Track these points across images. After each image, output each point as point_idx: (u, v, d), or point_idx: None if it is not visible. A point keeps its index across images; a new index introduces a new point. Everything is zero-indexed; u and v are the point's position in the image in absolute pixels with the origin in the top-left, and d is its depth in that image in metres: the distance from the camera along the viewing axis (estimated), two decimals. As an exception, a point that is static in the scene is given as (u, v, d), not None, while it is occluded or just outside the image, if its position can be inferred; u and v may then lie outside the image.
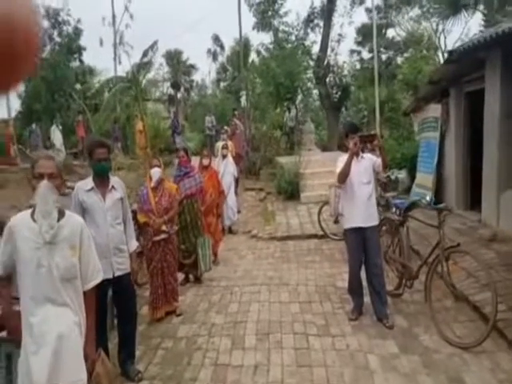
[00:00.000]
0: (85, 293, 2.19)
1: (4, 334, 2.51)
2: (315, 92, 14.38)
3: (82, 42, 17.23)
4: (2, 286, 2.20)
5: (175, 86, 29.61)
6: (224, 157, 7.86)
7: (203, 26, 38.88)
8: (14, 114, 14.70)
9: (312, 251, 6.41)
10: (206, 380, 3.27)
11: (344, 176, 3.89)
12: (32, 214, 2.10)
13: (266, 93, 12.19)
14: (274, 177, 10.91)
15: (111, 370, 2.49)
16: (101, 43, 19.21)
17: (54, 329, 2.02)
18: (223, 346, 3.75)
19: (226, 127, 11.43)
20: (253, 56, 20.43)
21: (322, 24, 14.16)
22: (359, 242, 3.95)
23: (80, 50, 17.15)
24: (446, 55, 17.85)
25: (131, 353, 3.41)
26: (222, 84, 26.51)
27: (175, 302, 4.34)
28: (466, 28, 16.21)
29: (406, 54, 17.77)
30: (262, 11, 13.75)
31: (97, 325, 2.32)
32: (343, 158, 4.02)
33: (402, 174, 8.21)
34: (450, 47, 17.67)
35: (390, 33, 18.77)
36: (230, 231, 7.79)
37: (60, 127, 14.23)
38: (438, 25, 17.18)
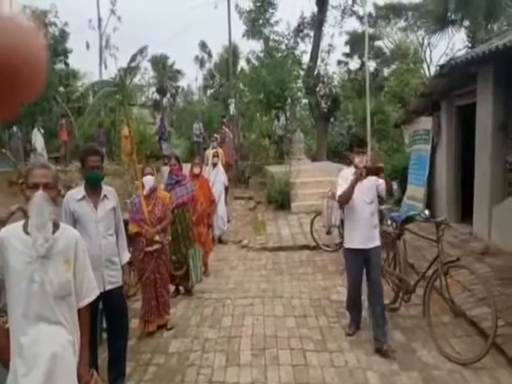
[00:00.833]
0: (79, 310, 2.06)
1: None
2: (304, 101, 14.46)
3: (68, 44, 16.95)
4: None
5: (161, 91, 29.40)
6: (214, 165, 7.74)
7: (191, 31, 38.81)
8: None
9: (304, 263, 6.32)
10: (201, 399, 3.12)
11: (346, 198, 3.68)
12: (24, 226, 1.95)
13: (256, 101, 12.16)
14: (263, 186, 10.85)
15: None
16: (87, 46, 18.92)
17: (47, 349, 1.89)
18: (217, 362, 3.61)
19: (215, 135, 11.33)
20: (242, 64, 20.49)
21: (312, 34, 14.28)
22: (359, 263, 3.78)
23: (66, 52, 16.83)
24: (431, 68, 18.36)
25: (122, 370, 3.25)
26: (209, 91, 26.44)
27: (167, 315, 4.18)
28: (450, 43, 16.62)
29: (392, 66, 18.12)
30: (252, 19, 13.78)
31: (90, 343, 2.18)
32: (345, 173, 3.81)
33: (392, 186, 8.24)
34: (435, 61, 18.18)
35: (379, 44, 19.13)
36: (220, 241, 7.65)
37: (42, 131, 13.84)
38: (423, 38, 17.61)
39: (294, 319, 4.36)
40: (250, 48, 23.47)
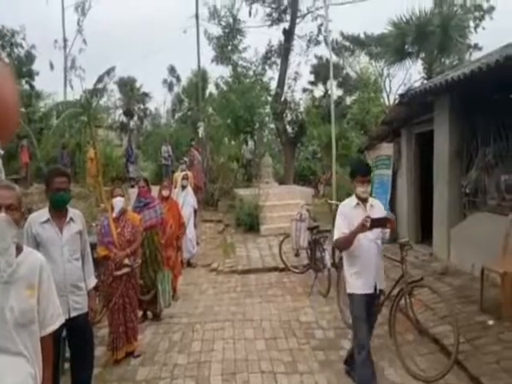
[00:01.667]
0: (42, 338, 1.93)
1: None
2: (271, 126, 14.83)
3: (35, 65, 16.64)
4: None
5: (128, 113, 29.15)
6: (184, 188, 7.73)
7: (160, 55, 39.03)
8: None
9: (274, 284, 6.35)
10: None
11: (345, 246, 3.27)
12: None
13: (225, 125, 12.34)
14: (232, 208, 10.88)
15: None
16: (51, 67, 18.57)
17: (7, 382, 1.76)
18: (187, 389, 3.52)
19: (185, 158, 11.33)
20: (211, 88, 20.79)
21: (279, 62, 14.84)
22: (366, 309, 3.30)
23: (31, 74, 16.45)
24: (391, 97, 19.44)
25: (86, 402, 3.08)
26: (177, 114, 26.52)
27: (135, 341, 4.05)
28: (408, 74, 17.74)
29: (355, 95, 19.01)
30: (221, 45, 14.15)
31: (53, 375, 2.06)
32: (345, 208, 3.31)
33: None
34: (394, 90, 19.26)
35: (343, 73, 20.07)
36: (189, 264, 7.55)
37: (1, 151, 13.25)
38: (383, 69, 18.69)
39: (264, 342, 4.36)
40: (219, 73, 23.93)
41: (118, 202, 4.03)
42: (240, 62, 13.51)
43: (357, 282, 3.31)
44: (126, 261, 3.88)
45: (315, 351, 4.11)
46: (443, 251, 6.16)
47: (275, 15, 15.01)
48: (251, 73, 12.12)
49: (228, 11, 14.66)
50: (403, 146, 7.59)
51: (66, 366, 3.34)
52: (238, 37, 14.48)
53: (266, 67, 14.90)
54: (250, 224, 9.31)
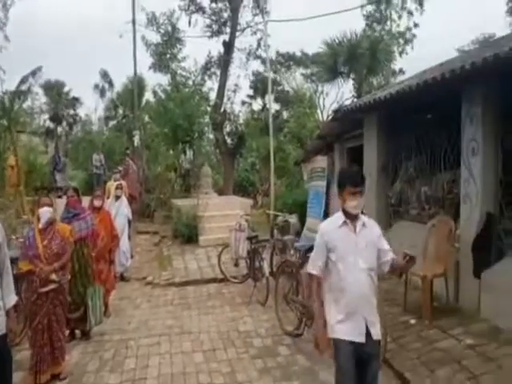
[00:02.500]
0: None
1: None
2: (211, 136, 14.82)
3: None
4: None
5: (55, 118, 27.31)
6: (117, 198, 7.39)
7: (92, 58, 37.22)
8: None
9: (212, 296, 6.28)
10: None
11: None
12: None
13: (163, 134, 12.08)
14: (169, 220, 10.61)
15: None
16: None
17: None
18: (120, 409, 3.33)
19: (119, 167, 10.86)
20: (148, 96, 20.29)
21: (219, 73, 14.93)
22: (354, 363, 2.45)
23: None
24: (324, 114, 20.48)
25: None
26: (111, 122, 25.40)
27: (63, 361, 3.74)
28: (340, 92, 18.90)
29: (291, 110, 19.76)
30: (159, 53, 13.91)
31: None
32: (326, 232, 2.59)
33: (293, 219, 8.74)
34: (327, 107, 20.34)
35: (280, 88, 20.75)
36: (123, 278, 7.18)
37: None
38: (317, 86, 19.68)
39: (202, 354, 4.28)
40: (157, 81, 23.43)
41: (46, 212, 3.74)
42: (179, 71, 13.39)
43: (342, 327, 2.48)
44: (53, 276, 3.59)
45: (254, 360, 4.12)
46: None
47: (215, 27, 15.16)
48: (190, 82, 12.06)
49: (167, 19, 14.52)
50: (336, 159, 8.04)
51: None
52: (178, 45, 14.37)
53: (206, 78, 14.95)
54: (189, 235, 9.13)
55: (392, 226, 6.35)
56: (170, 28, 14.48)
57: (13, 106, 10.30)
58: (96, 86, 26.54)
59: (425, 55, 13.42)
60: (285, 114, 21.06)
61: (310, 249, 4.70)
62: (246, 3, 14.91)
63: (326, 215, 8.14)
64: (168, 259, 8.22)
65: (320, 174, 8.46)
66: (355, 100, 10.72)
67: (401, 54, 16.29)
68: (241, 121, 16.50)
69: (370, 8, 15.93)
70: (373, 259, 2.54)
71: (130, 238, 7.82)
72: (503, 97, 4.37)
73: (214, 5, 14.84)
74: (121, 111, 23.89)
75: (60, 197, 11.70)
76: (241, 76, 21.22)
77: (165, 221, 10.89)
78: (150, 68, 14.88)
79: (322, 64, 14.13)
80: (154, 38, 14.62)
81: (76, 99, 28.42)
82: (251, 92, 21.08)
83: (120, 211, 7.28)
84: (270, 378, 3.75)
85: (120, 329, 5.04)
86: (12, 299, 2.92)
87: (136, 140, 13.42)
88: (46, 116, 27.08)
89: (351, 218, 2.54)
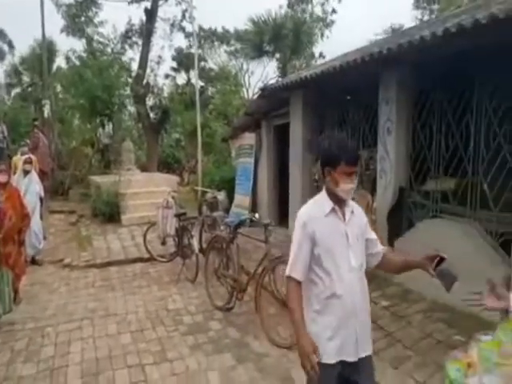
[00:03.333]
0: None
1: None
2: (132, 110, 13.97)
3: None
4: None
5: None
6: (26, 173, 6.62)
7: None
8: None
9: (138, 276, 6.03)
10: None
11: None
12: None
13: (78, 105, 11.05)
14: (87, 197, 9.90)
15: None
16: None
17: None
18: (39, 401, 3.07)
19: (26, 140, 9.74)
20: (60, 62, 18.36)
21: (140, 43, 13.99)
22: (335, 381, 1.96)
23: None
24: (250, 92, 20.48)
25: None
26: (15, 90, 22.55)
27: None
28: (265, 71, 19.00)
29: (217, 86, 19.40)
30: (73, 15, 12.55)
31: None
32: (309, 221, 1.93)
33: (221, 196, 8.73)
34: (253, 86, 20.36)
35: (204, 64, 20.16)
36: (35, 262, 6.54)
37: None
38: (243, 64, 19.54)
39: (129, 335, 4.11)
40: (70, 46, 21.15)
41: None
42: (96, 37, 12.25)
43: (328, 345, 1.93)
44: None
45: (185, 336, 4.07)
46: (297, 232, 6.83)
47: (136, -9, 14.07)
48: (109, 50, 11.12)
49: (80, -23, 13.09)
50: (264, 137, 8.12)
51: None
52: (93, 9, 13.09)
53: (127, 47, 13.93)
54: (110, 213, 8.61)
55: (316, 201, 6.65)
56: (84, -13, 13.10)
57: None
58: (-8, 48, 23.11)
59: (343, 40, 14.02)
60: (210, 91, 20.63)
61: (240, 224, 4.76)
62: (170, -32, 14.08)
63: (254, 191, 8.26)
64: (87, 239, 7.69)
65: (248, 150, 8.49)
66: (281, 79, 10.86)
67: (322, 36, 16.84)
68: (165, 94, 15.76)
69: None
70: (362, 254, 2.03)
71: (42, 217, 7.11)
72: (415, 81, 4.78)
73: (134, -34, 13.73)
74: (26, 78, 21.28)
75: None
76: (165, 47, 20.16)
77: (82, 199, 10.13)
78: (62, 31, 13.40)
79: (248, 41, 14.02)
80: (66, -3, 13.16)
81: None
82: (175, 64, 20.18)
83: (30, 188, 6.56)
84: (201, 353, 3.74)
85: (34, 317, 4.61)
86: None
87: (46, 111, 12.11)
88: None
89: (339, 203, 1.97)
